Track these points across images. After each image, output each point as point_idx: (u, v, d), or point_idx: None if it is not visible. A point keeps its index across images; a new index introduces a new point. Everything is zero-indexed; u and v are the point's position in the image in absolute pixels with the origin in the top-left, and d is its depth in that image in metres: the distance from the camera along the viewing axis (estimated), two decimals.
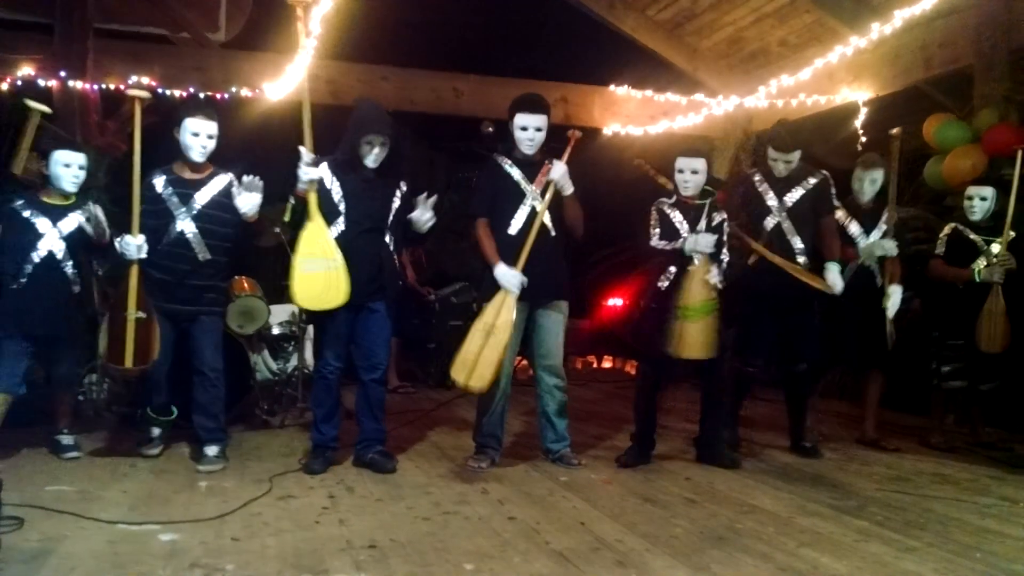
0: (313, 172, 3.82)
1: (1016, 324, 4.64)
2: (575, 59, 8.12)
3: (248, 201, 3.97)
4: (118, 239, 3.93)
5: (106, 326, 3.89)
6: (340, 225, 3.89)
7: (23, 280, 4.00)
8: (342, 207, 3.90)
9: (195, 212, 4.02)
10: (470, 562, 2.73)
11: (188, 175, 4.08)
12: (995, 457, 4.62)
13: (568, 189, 4.02)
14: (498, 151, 4.22)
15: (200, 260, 4.03)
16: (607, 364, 9.48)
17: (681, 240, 4.07)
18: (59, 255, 4.07)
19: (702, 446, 4.35)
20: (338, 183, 3.92)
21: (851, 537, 3.11)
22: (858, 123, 6.73)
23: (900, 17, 5.82)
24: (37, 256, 4.02)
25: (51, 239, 4.06)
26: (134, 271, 3.87)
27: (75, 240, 4.12)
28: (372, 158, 3.89)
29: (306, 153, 3.81)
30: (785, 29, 7.27)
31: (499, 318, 3.89)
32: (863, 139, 6.71)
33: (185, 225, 4.00)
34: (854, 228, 4.73)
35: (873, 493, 3.79)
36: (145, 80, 6.48)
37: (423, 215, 3.99)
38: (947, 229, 4.88)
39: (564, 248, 4.19)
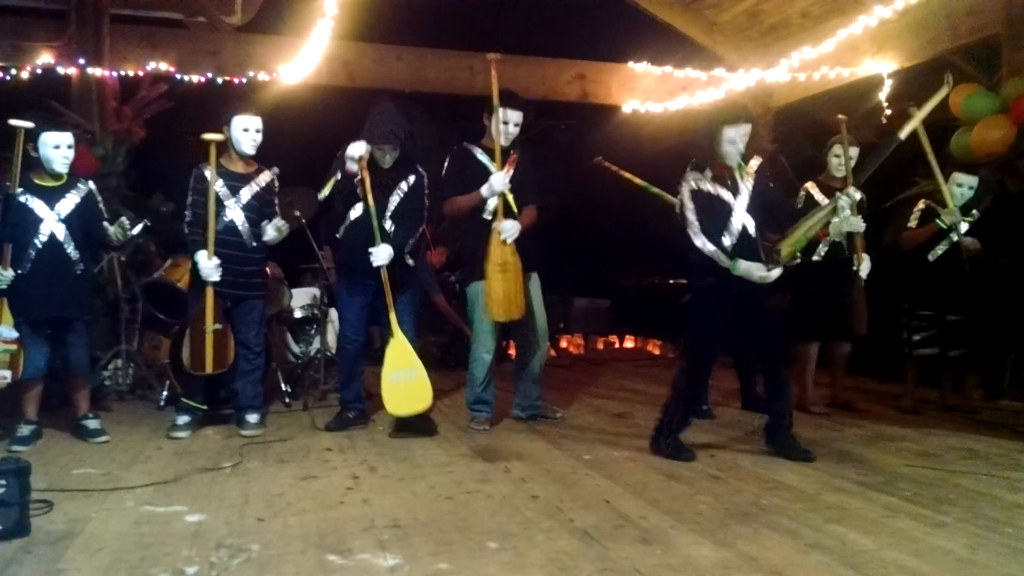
0: (362, 148, 4.15)
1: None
2: (592, 36, 8.01)
3: (273, 236, 4.37)
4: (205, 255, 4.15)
5: (188, 338, 4.21)
6: (358, 210, 4.34)
7: (28, 265, 3.96)
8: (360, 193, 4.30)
9: (243, 203, 4.30)
10: (493, 540, 2.72)
11: (236, 168, 4.37)
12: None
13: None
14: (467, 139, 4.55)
15: (248, 247, 4.34)
16: (629, 344, 9.45)
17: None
18: (60, 237, 4.04)
19: (770, 437, 3.96)
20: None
21: (879, 513, 3.06)
22: (882, 95, 6.60)
23: None
24: (39, 241, 3.99)
25: (50, 222, 4.03)
26: (209, 291, 4.15)
27: (74, 221, 4.10)
28: (385, 161, 4.31)
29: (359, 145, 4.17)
30: (806, 0, 7.11)
31: (505, 255, 4.28)
32: (888, 111, 6.58)
33: (235, 215, 4.29)
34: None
35: (900, 469, 3.74)
36: (163, 66, 6.50)
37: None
38: (921, 204, 5.18)
39: (532, 228, 4.53)
